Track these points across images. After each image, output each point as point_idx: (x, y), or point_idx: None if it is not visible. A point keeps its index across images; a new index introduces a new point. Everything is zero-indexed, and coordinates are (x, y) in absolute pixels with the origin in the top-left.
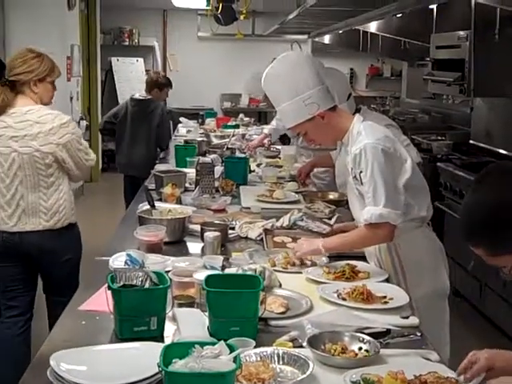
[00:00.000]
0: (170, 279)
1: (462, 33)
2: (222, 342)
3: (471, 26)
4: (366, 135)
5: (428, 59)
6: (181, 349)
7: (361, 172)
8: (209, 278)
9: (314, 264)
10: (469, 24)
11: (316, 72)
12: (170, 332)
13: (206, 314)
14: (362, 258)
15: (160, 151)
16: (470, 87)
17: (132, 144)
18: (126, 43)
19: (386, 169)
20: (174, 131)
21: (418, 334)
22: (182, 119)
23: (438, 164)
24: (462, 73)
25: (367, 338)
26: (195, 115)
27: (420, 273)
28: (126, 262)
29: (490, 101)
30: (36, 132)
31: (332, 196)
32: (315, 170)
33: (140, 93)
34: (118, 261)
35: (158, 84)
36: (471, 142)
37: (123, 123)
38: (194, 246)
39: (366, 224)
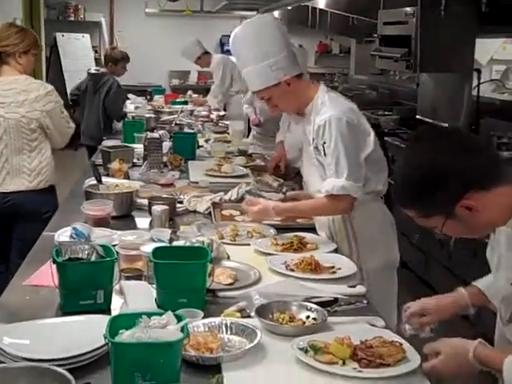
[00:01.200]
0: (117, 252)
1: (408, 9)
2: (170, 312)
3: (418, 2)
4: (330, 107)
5: (376, 35)
6: (128, 320)
7: (324, 143)
8: (156, 250)
9: (262, 236)
10: (416, 0)
11: (284, 37)
12: (117, 305)
13: (154, 286)
14: (310, 229)
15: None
16: (416, 63)
17: (88, 115)
18: (72, 18)
19: (350, 141)
20: None
21: (365, 302)
22: (129, 96)
23: (386, 138)
24: (409, 49)
25: (314, 306)
26: (143, 92)
27: (373, 245)
28: (71, 236)
29: (436, 76)
30: (22, 99)
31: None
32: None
33: (96, 68)
34: (63, 236)
35: (112, 58)
36: (417, 116)
37: (83, 95)
38: (142, 221)
39: (328, 195)
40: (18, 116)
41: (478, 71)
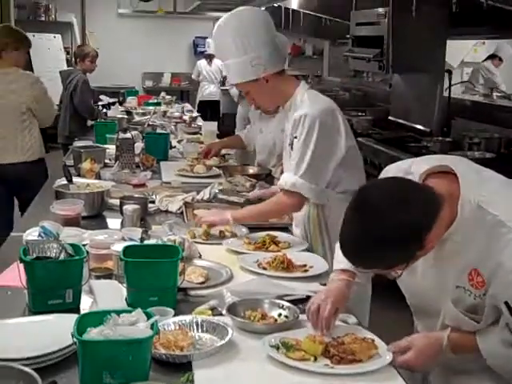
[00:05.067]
0: (87, 251)
1: (380, 10)
2: (139, 309)
3: (389, 3)
4: (310, 104)
5: (348, 37)
6: (96, 318)
7: (295, 137)
8: (126, 249)
9: (234, 235)
10: (387, 1)
11: (270, 32)
12: (86, 305)
13: (124, 285)
14: (283, 229)
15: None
16: (388, 63)
17: (62, 114)
18: (43, 18)
19: (318, 142)
20: None
21: None
22: (102, 97)
23: (359, 139)
24: (381, 49)
25: (286, 304)
26: (116, 94)
27: None
28: (39, 234)
29: (408, 78)
30: (14, 88)
31: (252, 170)
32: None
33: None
34: (32, 236)
35: (79, 55)
36: (390, 118)
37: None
38: (114, 221)
39: (281, 190)
40: (10, 101)
41: (449, 72)
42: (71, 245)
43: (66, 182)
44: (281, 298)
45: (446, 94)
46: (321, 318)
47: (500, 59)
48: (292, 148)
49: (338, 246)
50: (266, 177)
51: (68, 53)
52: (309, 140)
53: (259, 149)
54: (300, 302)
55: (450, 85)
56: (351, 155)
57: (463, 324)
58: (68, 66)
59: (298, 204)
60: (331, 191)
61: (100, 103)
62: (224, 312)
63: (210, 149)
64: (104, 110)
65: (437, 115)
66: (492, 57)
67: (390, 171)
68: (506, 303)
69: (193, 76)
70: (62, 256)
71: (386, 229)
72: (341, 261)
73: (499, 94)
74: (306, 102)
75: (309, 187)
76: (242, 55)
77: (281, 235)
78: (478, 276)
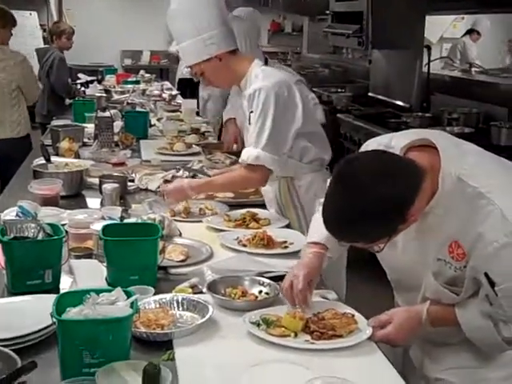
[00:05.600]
0: (66, 231)
1: None
2: (119, 288)
3: None
4: (262, 79)
5: (328, 12)
6: (76, 297)
7: (251, 112)
8: (106, 228)
9: (214, 213)
10: None
11: (220, 13)
12: (66, 285)
13: (104, 264)
14: (263, 205)
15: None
16: (368, 39)
17: (41, 93)
18: None
19: (275, 114)
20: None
21: None
22: (80, 75)
23: (338, 115)
24: (361, 25)
25: (267, 281)
26: (94, 72)
27: None
28: (17, 214)
29: (387, 54)
30: (3, 66)
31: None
32: None
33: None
34: (9, 216)
35: (55, 32)
36: (370, 94)
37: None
38: (93, 201)
39: (244, 165)
40: (1, 80)
41: (429, 48)
42: (50, 224)
43: (44, 161)
44: (261, 274)
45: (425, 69)
46: (295, 292)
47: (478, 33)
48: (249, 122)
49: (313, 219)
50: None
51: (44, 30)
52: (266, 112)
53: (240, 124)
54: (280, 278)
55: (430, 60)
56: (310, 127)
57: (443, 297)
58: (45, 43)
59: (262, 178)
60: (298, 163)
61: (78, 81)
62: (204, 290)
63: (235, 137)
64: (82, 89)
65: (416, 91)
66: (470, 31)
67: (371, 146)
68: (486, 274)
69: (170, 48)
70: (40, 236)
71: (369, 203)
72: (312, 235)
73: (477, 70)
74: (260, 77)
75: (272, 158)
76: (195, 36)
77: (261, 212)
78: (458, 248)
